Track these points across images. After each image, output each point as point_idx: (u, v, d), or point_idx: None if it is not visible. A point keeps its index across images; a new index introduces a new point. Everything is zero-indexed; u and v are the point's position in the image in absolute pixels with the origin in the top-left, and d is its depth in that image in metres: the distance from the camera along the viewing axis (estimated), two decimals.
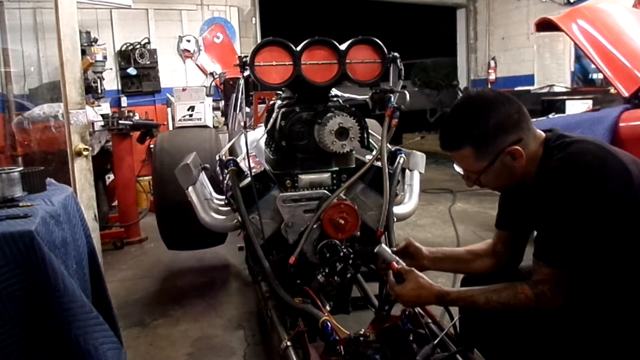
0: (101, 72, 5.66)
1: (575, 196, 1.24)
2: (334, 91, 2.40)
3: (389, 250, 1.64)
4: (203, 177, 2.47)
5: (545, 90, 7.22)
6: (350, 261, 1.97)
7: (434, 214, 4.89)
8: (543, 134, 1.41)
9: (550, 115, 4.09)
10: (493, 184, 1.43)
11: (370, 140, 2.19)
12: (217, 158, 2.67)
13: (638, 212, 1.27)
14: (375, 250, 1.64)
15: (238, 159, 2.26)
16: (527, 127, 1.36)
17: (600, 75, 6.18)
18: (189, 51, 7.21)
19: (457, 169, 1.46)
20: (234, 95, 4.22)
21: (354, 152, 2.16)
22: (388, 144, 2.11)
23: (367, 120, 2.12)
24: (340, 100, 2.31)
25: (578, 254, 1.28)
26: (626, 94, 2.93)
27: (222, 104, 5.46)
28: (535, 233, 1.46)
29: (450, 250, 1.77)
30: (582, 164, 1.27)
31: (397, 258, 1.61)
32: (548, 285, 1.32)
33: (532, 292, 1.33)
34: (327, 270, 1.93)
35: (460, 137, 1.36)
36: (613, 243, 1.28)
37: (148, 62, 6.85)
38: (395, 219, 2.22)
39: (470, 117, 1.36)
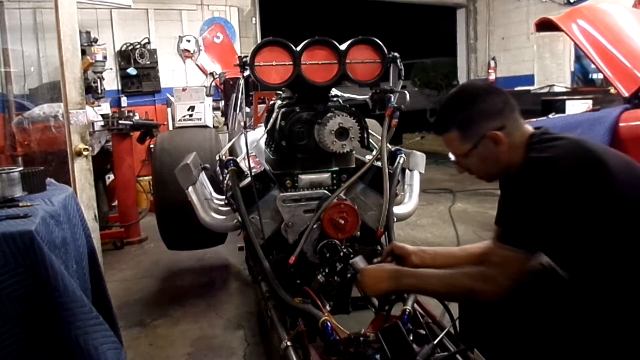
0: (101, 72, 5.65)
1: (540, 189, 1.29)
2: (334, 91, 2.40)
3: (360, 261, 1.73)
4: (203, 177, 2.47)
5: (545, 90, 7.22)
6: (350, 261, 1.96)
7: (434, 214, 4.89)
8: (530, 130, 1.46)
9: (550, 115, 4.09)
10: (478, 169, 1.50)
11: (370, 140, 2.19)
12: (217, 158, 2.67)
13: (622, 213, 1.29)
14: (350, 262, 1.74)
15: (238, 159, 2.26)
16: (511, 117, 1.44)
17: (600, 75, 6.18)
18: (189, 51, 7.21)
19: (451, 156, 1.53)
20: (234, 95, 4.23)
21: (354, 152, 2.16)
22: (388, 144, 2.11)
23: (367, 120, 2.12)
24: (340, 100, 2.31)
25: (540, 241, 1.32)
26: (626, 94, 2.93)
27: (222, 104, 5.45)
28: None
29: (444, 249, 1.81)
30: (550, 166, 1.31)
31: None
32: (497, 268, 1.35)
33: (479, 271, 1.37)
34: (327, 270, 1.93)
35: (447, 120, 1.47)
36: (587, 239, 1.31)
37: (148, 62, 6.85)
38: (395, 219, 2.22)
39: (458, 102, 1.48)
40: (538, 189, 1.30)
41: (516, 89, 7.77)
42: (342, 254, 1.94)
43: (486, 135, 1.41)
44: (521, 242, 1.33)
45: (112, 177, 4.79)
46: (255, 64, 2.02)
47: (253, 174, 2.04)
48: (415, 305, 1.79)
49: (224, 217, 2.29)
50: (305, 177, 2.11)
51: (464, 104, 1.45)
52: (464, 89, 1.53)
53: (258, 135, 2.71)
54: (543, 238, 1.31)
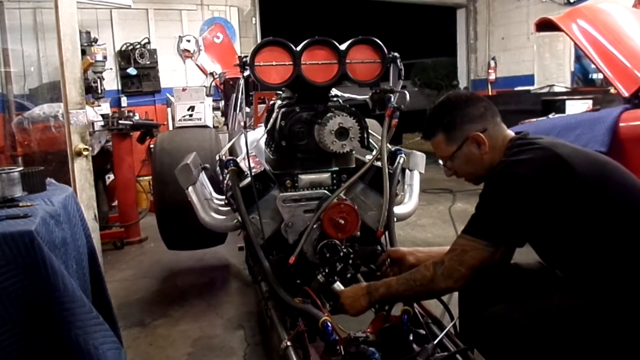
0: (101, 72, 5.65)
1: (498, 185, 1.44)
2: (334, 91, 2.40)
3: (337, 287, 1.84)
4: (203, 177, 2.47)
5: (545, 90, 7.22)
6: (350, 261, 1.96)
7: (434, 214, 4.89)
8: (511, 134, 1.57)
9: (550, 115, 4.09)
10: (463, 170, 1.60)
11: (370, 140, 2.19)
12: (217, 158, 2.67)
13: (593, 212, 1.36)
14: (330, 288, 1.85)
15: (238, 159, 2.26)
16: (492, 121, 1.56)
17: (600, 75, 6.18)
18: (189, 51, 7.21)
19: (440, 161, 1.64)
20: (234, 95, 4.22)
21: (354, 152, 2.16)
22: (388, 144, 2.11)
23: (367, 120, 2.12)
24: (340, 100, 2.31)
25: (495, 230, 1.42)
26: (626, 94, 2.93)
27: (222, 104, 5.45)
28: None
29: (438, 247, 1.86)
30: (514, 164, 1.42)
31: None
32: (450, 254, 1.46)
33: (432, 263, 1.48)
34: (327, 270, 1.93)
35: (434, 125, 1.60)
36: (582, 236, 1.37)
37: (148, 62, 6.84)
38: (395, 219, 2.22)
39: (443, 109, 1.61)
40: (495, 188, 1.44)
41: (516, 89, 7.78)
42: (342, 254, 1.95)
43: (469, 137, 1.53)
44: (477, 232, 1.44)
45: (112, 177, 4.79)
46: (255, 64, 2.01)
47: (253, 174, 2.04)
48: (415, 305, 1.79)
49: (224, 217, 2.29)
50: (305, 177, 2.11)
51: (448, 109, 1.58)
52: (448, 97, 1.65)
53: (258, 135, 2.71)
54: (496, 230, 1.42)
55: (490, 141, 1.52)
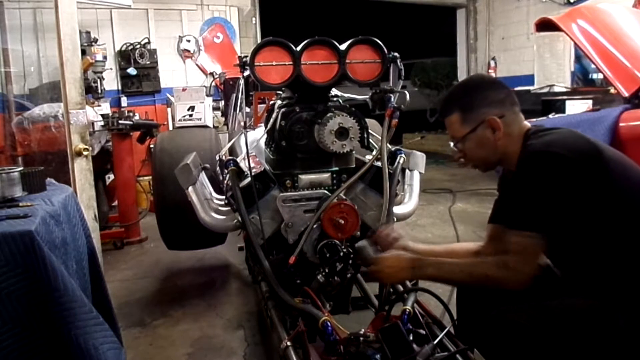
0: (101, 72, 5.65)
1: (539, 166, 1.34)
2: (334, 91, 2.40)
3: (368, 245, 1.69)
4: (203, 177, 2.47)
5: (545, 90, 7.22)
6: (350, 261, 1.96)
7: (434, 214, 4.89)
8: (528, 125, 1.53)
9: (550, 115, 4.09)
10: (474, 154, 1.54)
11: (370, 140, 2.19)
12: (217, 158, 2.67)
13: (617, 199, 1.33)
14: (356, 245, 1.71)
15: (238, 159, 2.26)
16: (511, 110, 1.51)
17: (600, 75, 6.18)
18: (189, 51, 7.21)
19: (450, 142, 1.59)
20: (234, 95, 4.22)
21: (354, 152, 2.16)
22: (388, 144, 2.11)
23: (367, 120, 2.12)
24: (340, 100, 2.31)
25: (542, 216, 1.33)
26: (626, 94, 2.93)
27: (222, 104, 5.45)
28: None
29: (440, 246, 1.83)
30: (549, 145, 1.37)
31: (377, 250, 1.67)
32: (511, 255, 1.36)
33: (494, 262, 1.38)
34: (327, 270, 1.93)
35: (451, 103, 1.56)
36: (600, 226, 1.34)
37: (148, 62, 6.84)
38: (395, 219, 2.22)
39: (464, 89, 1.59)
40: (538, 170, 1.34)
41: (516, 89, 7.76)
42: (342, 254, 1.95)
43: (485, 120, 1.48)
44: (530, 224, 1.34)
45: (112, 177, 4.79)
46: (255, 64, 2.01)
47: (253, 174, 2.04)
48: (415, 305, 1.79)
49: (224, 217, 2.29)
50: (305, 177, 2.11)
51: (468, 90, 1.55)
52: (471, 78, 1.64)
53: (258, 135, 2.71)
54: (548, 219, 1.33)
55: (505, 128, 1.48)
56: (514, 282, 1.35)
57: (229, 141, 3.12)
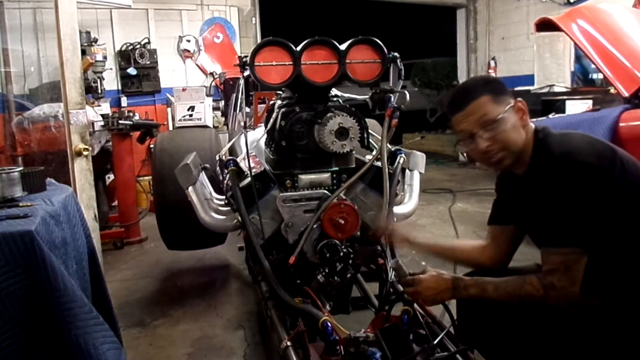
0: (101, 72, 5.65)
1: (575, 179, 1.30)
2: (334, 91, 2.40)
3: (404, 268, 1.67)
4: (203, 177, 2.47)
5: (545, 90, 7.21)
6: (350, 261, 1.96)
7: (434, 214, 4.89)
8: (534, 126, 1.50)
9: (550, 115, 4.09)
10: (506, 138, 1.43)
11: (370, 140, 2.19)
12: (217, 158, 2.67)
13: (630, 196, 1.32)
14: (392, 267, 1.70)
15: (238, 159, 2.26)
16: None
17: (600, 75, 6.18)
18: (189, 51, 7.21)
19: (462, 147, 1.51)
20: (234, 95, 4.22)
21: (354, 152, 2.16)
22: (388, 144, 2.11)
23: (367, 120, 2.11)
24: (340, 100, 2.31)
25: (586, 230, 1.30)
26: (626, 94, 2.94)
27: (222, 104, 5.45)
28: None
29: (445, 240, 1.82)
30: (576, 152, 1.34)
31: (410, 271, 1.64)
32: (557, 275, 1.32)
33: (541, 284, 1.34)
34: (327, 270, 1.93)
35: (476, 89, 1.46)
36: (614, 228, 1.31)
37: (148, 62, 6.84)
38: (395, 219, 2.22)
39: (483, 78, 1.61)
40: (570, 183, 1.30)
41: (516, 89, 7.76)
42: (342, 254, 1.94)
43: (513, 104, 1.44)
44: (571, 240, 1.31)
45: (112, 177, 4.79)
46: (255, 64, 2.01)
47: (253, 174, 2.04)
48: (415, 305, 1.79)
49: (224, 217, 2.29)
50: (305, 177, 2.11)
51: (488, 78, 1.57)
52: (479, 75, 1.59)
53: (258, 135, 2.71)
54: (588, 233, 1.30)
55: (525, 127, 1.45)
56: (562, 300, 1.33)
57: (229, 141, 3.12)
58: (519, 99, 1.46)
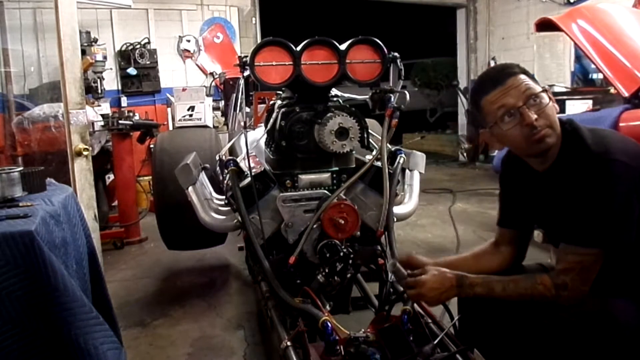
0: (101, 72, 5.66)
1: (611, 178, 1.26)
2: (334, 91, 2.40)
3: (401, 268, 1.60)
4: (203, 177, 2.47)
5: None
6: (350, 261, 1.96)
7: (434, 214, 4.89)
8: None
9: None
10: (550, 115, 1.37)
11: (370, 140, 2.19)
12: (217, 158, 2.67)
13: None
14: (391, 270, 1.62)
15: (238, 159, 2.26)
16: None
17: (600, 75, 6.18)
18: (189, 51, 7.21)
19: (505, 124, 1.38)
20: (234, 95, 4.23)
21: (354, 152, 2.16)
22: (388, 144, 2.11)
23: (367, 120, 2.11)
24: (340, 100, 2.31)
25: (613, 233, 1.27)
26: (626, 94, 2.93)
27: (222, 104, 5.46)
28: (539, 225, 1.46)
29: (455, 257, 1.75)
30: (613, 150, 1.29)
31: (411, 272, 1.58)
32: (572, 275, 1.31)
33: (552, 283, 1.33)
34: (327, 270, 1.93)
35: (512, 67, 1.42)
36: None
37: (148, 62, 6.84)
38: (395, 219, 2.22)
39: (509, 64, 1.46)
40: (608, 183, 1.26)
41: None
42: (342, 254, 1.94)
43: (545, 89, 1.39)
44: (595, 241, 1.29)
45: (112, 177, 4.79)
46: (255, 64, 2.01)
47: (253, 174, 2.04)
48: (415, 305, 1.79)
49: (224, 217, 2.29)
50: (305, 177, 2.11)
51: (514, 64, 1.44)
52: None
53: (258, 135, 2.71)
54: (615, 235, 1.28)
55: None
56: (572, 299, 1.32)
57: (229, 141, 3.12)
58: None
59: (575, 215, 1.32)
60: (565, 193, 1.35)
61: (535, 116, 1.34)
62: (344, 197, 2.03)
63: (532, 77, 1.41)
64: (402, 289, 1.65)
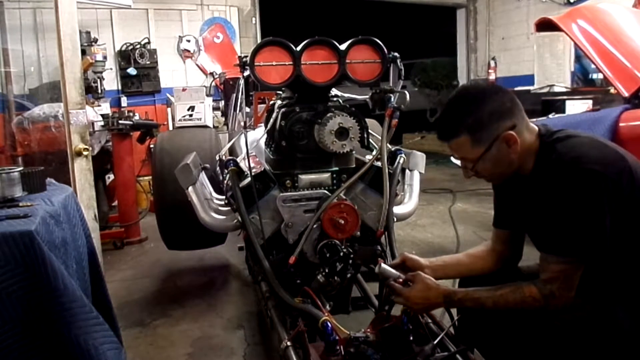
0: (101, 72, 5.66)
1: (582, 187, 1.27)
2: (334, 91, 2.40)
3: (389, 268, 1.62)
4: (203, 177, 2.47)
5: (545, 90, 7.22)
6: (350, 261, 1.96)
7: (434, 214, 4.89)
8: (536, 127, 1.45)
9: (550, 115, 4.09)
10: (490, 172, 1.44)
11: (370, 140, 2.19)
12: (217, 158, 2.67)
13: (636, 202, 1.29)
14: (376, 271, 1.64)
15: (238, 159, 2.26)
16: (520, 116, 1.40)
17: (600, 75, 6.18)
18: (189, 51, 7.21)
19: (455, 161, 1.51)
20: (234, 95, 4.22)
21: (354, 152, 2.16)
22: (388, 144, 2.11)
23: (367, 120, 2.11)
24: (340, 100, 2.31)
25: (587, 242, 1.28)
26: (626, 94, 2.93)
27: (222, 104, 5.45)
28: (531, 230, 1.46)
29: (450, 257, 1.76)
30: (585, 159, 1.29)
31: (399, 273, 1.59)
32: (557, 284, 1.32)
33: (541, 294, 1.34)
34: (327, 270, 1.93)
35: (456, 125, 1.40)
36: (617, 234, 1.29)
37: (148, 62, 6.85)
38: (395, 219, 2.22)
39: (465, 106, 1.40)
40: (576, 192, 1.27)
41: (516, 89, 7.77)
42: (342, 254, 1.94)
43: (499, 136, 1.36)
44: (572, 250, 1.30)
45: (112, 177, 4.79)
46: (255, 64, 2.01)
47: (253, 174, 2.04)
48: None
49: (224, 217, 2.29)
50: (305, 177, 2.11)
51: (471, 106, 1.38)
52: (467, 91, 1.48)
53: (258, 135, 2.71)
54: (589, 234, 1.28)
55: (520, 138, 1.37)
56: (560, 306, 1.34)
57: (229, 141, 3.12)
58: (506, 132, 1.36)
59: (549, 225, 1.34)
60: (540, 202, 1.37)
61: (472, 173, 1.45)
62: (344, 197, 2.03)
63: (480, 127, 1.37)
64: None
